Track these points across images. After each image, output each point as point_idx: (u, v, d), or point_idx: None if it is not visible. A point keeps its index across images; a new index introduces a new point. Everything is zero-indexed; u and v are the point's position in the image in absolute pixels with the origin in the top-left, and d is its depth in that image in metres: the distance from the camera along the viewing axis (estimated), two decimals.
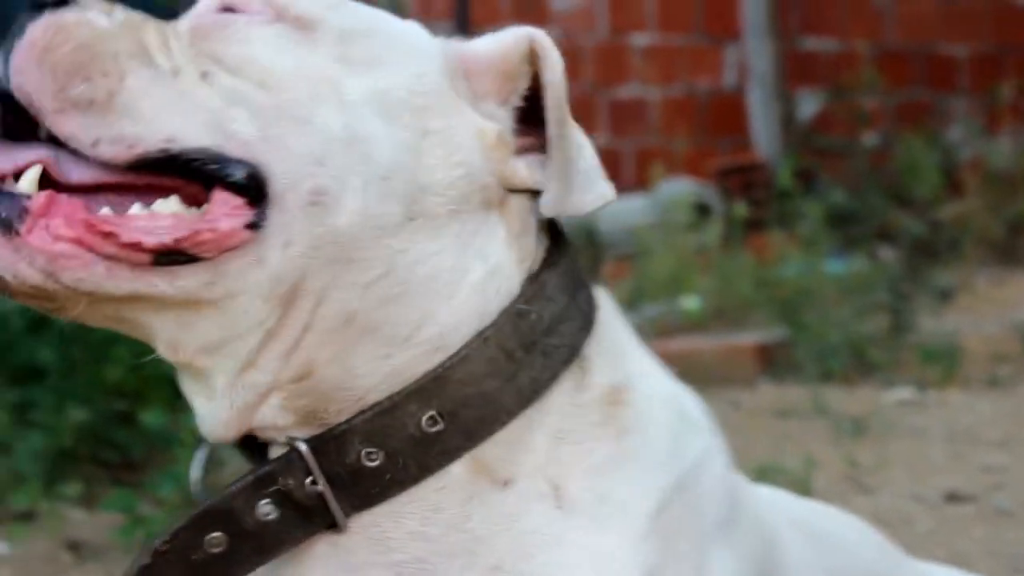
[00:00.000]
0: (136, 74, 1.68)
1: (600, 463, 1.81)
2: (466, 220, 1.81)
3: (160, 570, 1.70)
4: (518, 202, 1.86)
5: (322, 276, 1.70)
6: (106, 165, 1.66)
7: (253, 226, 1.66)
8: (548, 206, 1.83)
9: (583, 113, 9.77)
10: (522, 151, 1.87)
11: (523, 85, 1.88)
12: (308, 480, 1.70)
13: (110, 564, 4.03)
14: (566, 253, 1.90)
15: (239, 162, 1.67)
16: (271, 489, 1.71)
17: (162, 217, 1.65)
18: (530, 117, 1.89)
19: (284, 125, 1.69)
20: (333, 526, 1.73)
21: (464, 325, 1.78)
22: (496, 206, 1.84)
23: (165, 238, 1.63)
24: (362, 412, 1.73)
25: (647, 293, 7.87)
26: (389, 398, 1.73)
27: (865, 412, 5.64)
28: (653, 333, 6.66)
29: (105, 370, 4.75)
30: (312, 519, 1.72)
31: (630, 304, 7.24)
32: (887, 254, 8.84)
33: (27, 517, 4.29)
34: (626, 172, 9.67)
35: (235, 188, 1.67)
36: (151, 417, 4.08)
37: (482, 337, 1.77)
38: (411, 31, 1.90)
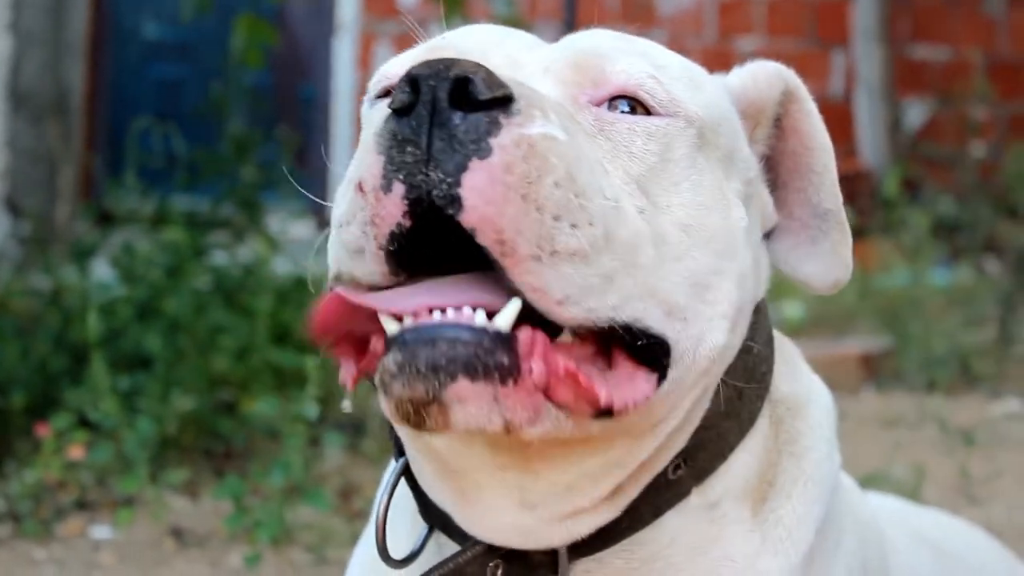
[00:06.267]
0: (616, 221, 1.52)
1: (786, 483, 1.81)
2: None
3: None
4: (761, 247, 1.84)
5: (684, 407, 1.69)
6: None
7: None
8: (819, 285, 1.83)
9: None
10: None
11: (765, 128, 1.85)
12: None
13: (212, 552, 4.03)
14: None
15: (655, 335, 1.58)
16: (502, 552, 1.71)
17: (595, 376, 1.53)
18: None
19: (703, 287, 1.63)
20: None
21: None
22: None
23: (617, 401, 1.53)
24: None
25: None
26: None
27: (972, 423, 5.56)
28: None
29: (211, 360, 4.78)
30: (536, 572, 1.72)
31: None
32: (993, 266, 8.70)
33: (130, 503, 4.31)
34: None
35: (638, 353, 1.57)
36: (263, 406, 4.08)
37: (722, 380, 1.76)
38: (717, 90, 1.80)
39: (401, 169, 1.45)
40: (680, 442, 1.73)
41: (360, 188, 1.50)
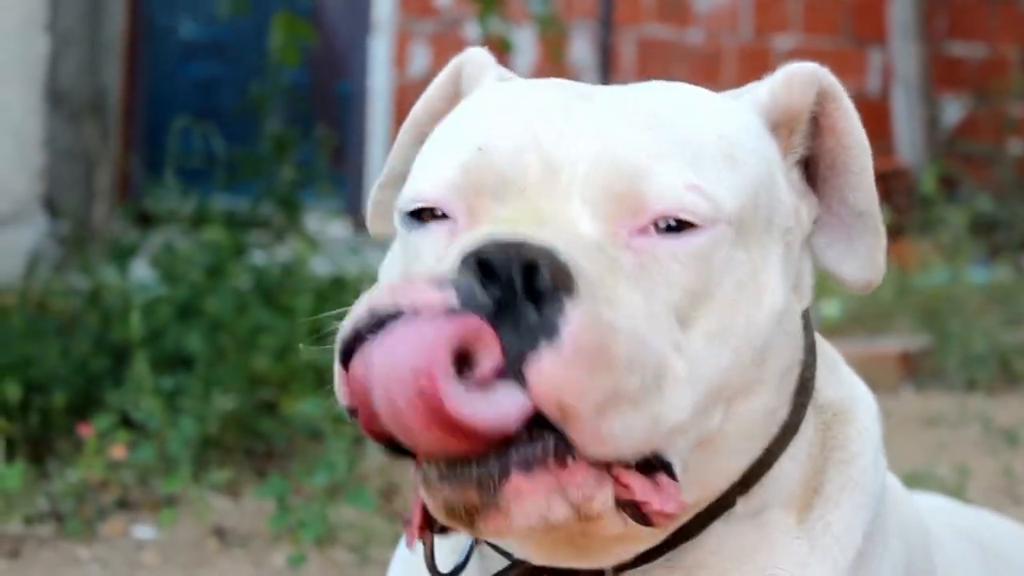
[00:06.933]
0: (661, 367, 1.54)
1: (834, 491, 1.81)
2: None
3: None
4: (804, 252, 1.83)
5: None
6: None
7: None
8: (854, 283, 1.81)
9: None
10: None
11: (802, 131, 1.81)
12: None
13: (255, 552, 4.04)
14: None
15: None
16: (548, 569, 1.70)
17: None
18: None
19: (724, 403, 1.64)
20: None
21: None
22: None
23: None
24: None
25: None
26: None
27: (1015, 423, 5.52)
28: None
29: (252, 359, 4.79)
30: None
31: None
32: None
33: (172, 503, 4.33)
34: None
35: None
36: (305, 406, 4.10)
37: None
38: (757, 142, 1.76)
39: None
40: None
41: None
